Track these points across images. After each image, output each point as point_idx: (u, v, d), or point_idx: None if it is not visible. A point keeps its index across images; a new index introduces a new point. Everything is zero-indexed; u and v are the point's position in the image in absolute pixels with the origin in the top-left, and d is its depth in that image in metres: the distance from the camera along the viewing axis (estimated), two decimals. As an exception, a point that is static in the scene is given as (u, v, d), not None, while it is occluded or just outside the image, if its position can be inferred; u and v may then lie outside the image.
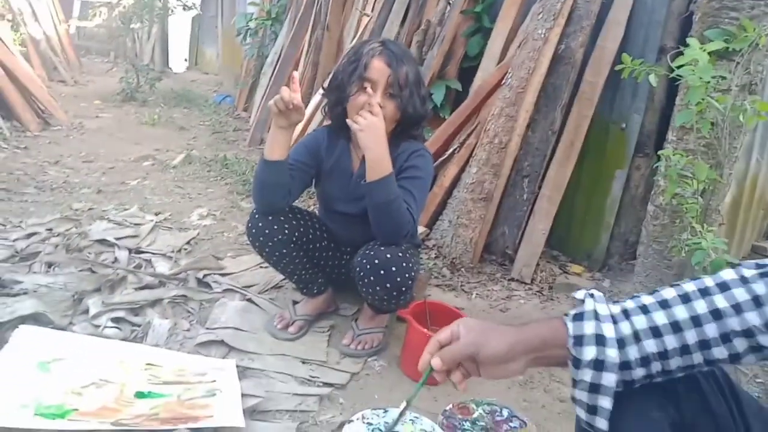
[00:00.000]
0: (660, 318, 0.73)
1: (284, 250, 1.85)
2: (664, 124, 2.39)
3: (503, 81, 2.75)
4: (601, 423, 0.75)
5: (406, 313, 1.80)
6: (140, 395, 1.48)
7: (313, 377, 1.71)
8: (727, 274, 0.74)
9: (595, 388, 0.74)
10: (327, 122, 1.95)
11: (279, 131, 1.69)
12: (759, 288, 0.70)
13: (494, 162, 2.71)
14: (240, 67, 6.58)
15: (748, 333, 0.70)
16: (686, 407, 0.80)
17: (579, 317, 0.77)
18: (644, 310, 0.75)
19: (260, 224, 1.80)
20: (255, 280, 2.31)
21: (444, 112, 3.28)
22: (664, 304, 0.74)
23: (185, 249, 2.59)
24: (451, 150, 3.06)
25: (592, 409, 0.76)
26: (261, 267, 2.39)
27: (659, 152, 1.96)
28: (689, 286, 0.75)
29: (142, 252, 2.48)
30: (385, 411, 1.50)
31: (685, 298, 0.73)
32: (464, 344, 0.84)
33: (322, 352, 1.86)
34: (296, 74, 1.65)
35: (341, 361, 1.83)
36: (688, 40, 1.60)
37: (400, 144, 1.82)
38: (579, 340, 0.75)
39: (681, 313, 0.73)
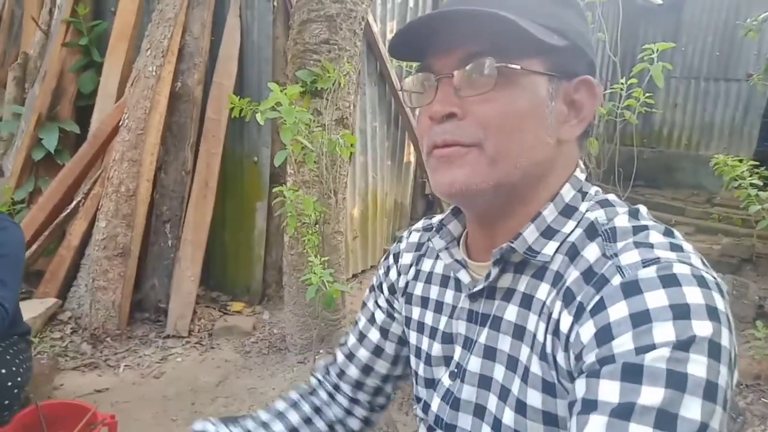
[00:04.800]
0: None
1: None
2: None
3: (121, 122, 2.49)
4: None
5: (12, 430, 1.42)
6: None
7: None
8: (280, 404, 0.77)
9: None
10: None
11: None
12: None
13: (125, 212, 2.43)
14: None
15: None
16: None
17: None
18: None
19: None
20: None
21: (62, 158, 2.82)
22: None
23: None
24: (75, 202, 2.64)
25: None
26: None
27: (276, 188, 2.00)
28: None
29: None
30: None
31: None
32: None
33: None
34: None
35: None
36: (269, 84, 1.66)
37: None
38: None
39: None
